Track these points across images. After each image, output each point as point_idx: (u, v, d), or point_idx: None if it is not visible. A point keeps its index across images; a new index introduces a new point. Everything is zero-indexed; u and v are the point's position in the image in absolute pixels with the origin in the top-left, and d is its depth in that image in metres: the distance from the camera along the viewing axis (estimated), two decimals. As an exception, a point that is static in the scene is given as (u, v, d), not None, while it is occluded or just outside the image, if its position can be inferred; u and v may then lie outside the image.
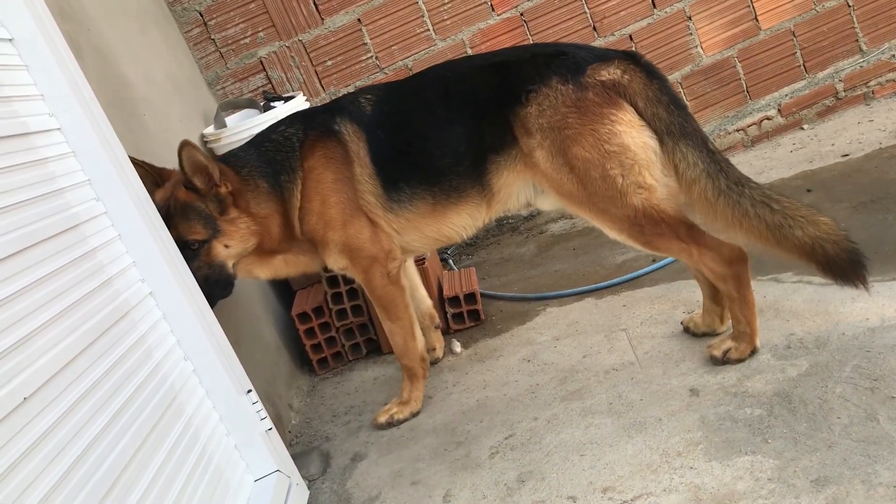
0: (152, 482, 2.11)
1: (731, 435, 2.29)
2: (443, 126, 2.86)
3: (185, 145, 2.66)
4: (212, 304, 2.67)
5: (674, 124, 2.58)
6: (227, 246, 2.81)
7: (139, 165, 2.67)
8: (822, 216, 2.47)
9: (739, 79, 4.82)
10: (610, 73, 2.65)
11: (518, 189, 2.86)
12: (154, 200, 2.59)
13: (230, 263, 2.85)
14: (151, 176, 2.81)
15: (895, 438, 2.03)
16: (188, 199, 2.75)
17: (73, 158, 2.33)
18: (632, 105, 2.62)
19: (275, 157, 2.90)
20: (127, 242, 2.43)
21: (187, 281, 2.54)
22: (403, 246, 3.02)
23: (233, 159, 2.94)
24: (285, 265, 3.02)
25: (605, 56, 2.71)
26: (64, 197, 2.22)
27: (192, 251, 2.73)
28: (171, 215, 2.71)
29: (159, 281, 2.48)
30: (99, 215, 2.36)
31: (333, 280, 3.67)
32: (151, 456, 2.16)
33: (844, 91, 4.81)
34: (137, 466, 2.08)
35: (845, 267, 2.42)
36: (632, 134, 2.60)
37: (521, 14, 4.64)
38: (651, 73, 2.66)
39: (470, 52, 4.65)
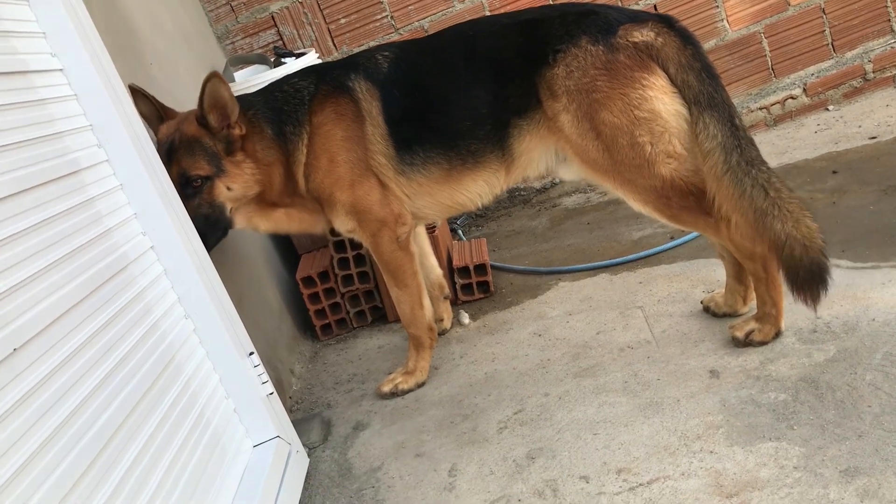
0: (147, 443, 2.01)
1: (754, 420, 2.19)
2: (463, 87, 2.74)
3: (213, 76, 2.55)
4: (209, 246, 2.57)
5: (702, 94, 2.45)
6: (229, 188, 2.70)
7: (144, 97, 2.55)
8: (808, 218, 2.33)
9: (765, 55, 4.67)
10: (643, 34, 2.51)
11: (539, 155, 2.74)
12: (157, 136, 2.48)
13: (229, 207, 2.74)
14: (155, 110, 2.70)
15: (930, 430, 1.93)
16: (197, 133, 2.64)
17: (74, 102, 2.21)
18: (664, 70, 2.49)
19: (282, 108, 2.79)
20: (129, 193, 2.31)
21: (191, 236, 2.43)
22: (414, 212, 2.91)
23: (241, 102, 2.81)
24: (287, 220, 2.91)
25: (639, 18, 2.58)
26: (63, 141, 2.11)
27: (194, 188, 2.64)
28: (175, 149, 2.61)
29: (162, 235, 2.37)
30: (100, 163, 2.24)
31: (340, 245, 3.56)
32: (147, 416, 2.06)
33: (873, 72, 4.65)
34: (132, 426, 1.98)
35: (803, 275, 2.28)
36: (664, 100, 2.48)
37: (544, -22, 4.48)
38: (686, 39, 2.52)
39: (489, 13, 4.49)
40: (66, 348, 1.84)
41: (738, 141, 2.40)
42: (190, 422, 2.23)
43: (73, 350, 1.86)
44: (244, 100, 2.85)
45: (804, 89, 4.70)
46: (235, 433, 2.46)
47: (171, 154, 2.61)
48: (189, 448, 2.18)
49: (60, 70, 2.18)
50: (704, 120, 2.43)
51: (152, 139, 2.48)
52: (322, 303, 3.64)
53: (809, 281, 2.28)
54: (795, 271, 2.29)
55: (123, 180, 2.29)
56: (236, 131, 2.67)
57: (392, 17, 4.51)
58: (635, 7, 4.52)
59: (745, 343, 2.54)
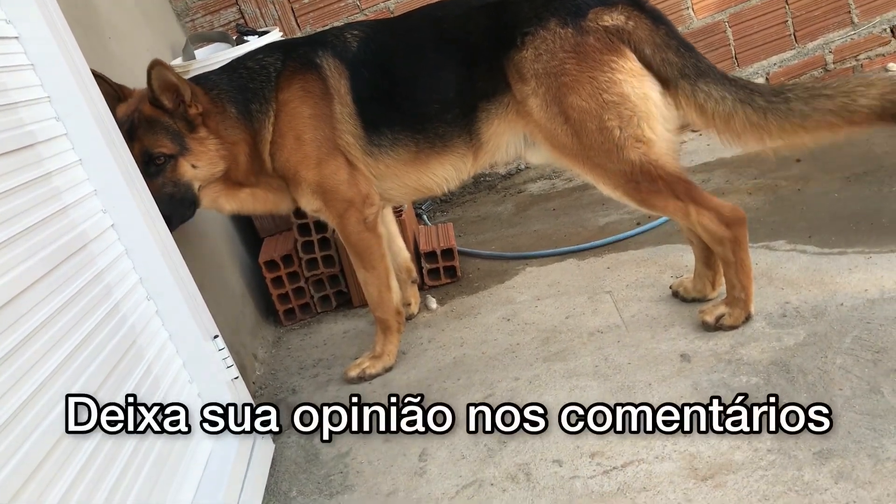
0: (103, 436, 1.93)
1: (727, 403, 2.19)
2: (432, 69, 2.70)
3: (155, 64, 2.47)
4: (172, 227, 2.49)
5: (687, 66, 2.44)
6: (194, 166, 2.63)
7: (100, 79, 2.46)
8: (873, 77, 2.32)
9: (729, 44, 4.70)
10: (613, 18, 2.49)
11: (508, 140, 2.71)
12: (115, 116, 2.39)
13: (196, 185, 2.66)
14: (113, 91, 2.60)
15: (901, 412, 1.95)
16: (155, 113, 2.57)
17: (31, 71, 2.10)
18: (638, 52, 2.48)
19: (247, 85, 2.71)
20: (88, 168, 2.21)
21: (153, 215, 2.34)
22: (381, 194, 2.85)
23: (203, 81, 2.74)
24: (252, 200, 2.83)
25: (608, 1, 2.55)
26: (18, 112, 2.00)
27: (157, 166, 2.56)
28: (135, 128, 2.53)
29: (123, 213, 2.27)
30: (58, 136, 2.14)
31: (304, 228, 3.49)
32: (109, 400, 1.98)
33: (834, 63, 4.72)
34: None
35: None
36: (632, 83, 2.46)
37: (511, -38, 4.43)
38: (657, 19, 2.51)
39: (456, -2, 4.43)
40: (22, 331, 1.74)
41: (747, 88, 2.41)
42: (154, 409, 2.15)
43: (30, 332, 1.77)
44: (206, 78, 2.76)
45: (767, 79, 4.74)
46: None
47: (132, 133, 2.52)
48: (153, 434, 2.10)
49: (16, 38, 2.07)
50: (703, 88, 2.43)
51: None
52: (285, 287, 3.56)
53: None
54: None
55: (83, 155, 2.19)
56: (193, 110, 2.59)
57: (357, -2, 4.43)
58: (602, -7, 4.50)
59: (716, 327, 2.55)
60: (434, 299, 3.41)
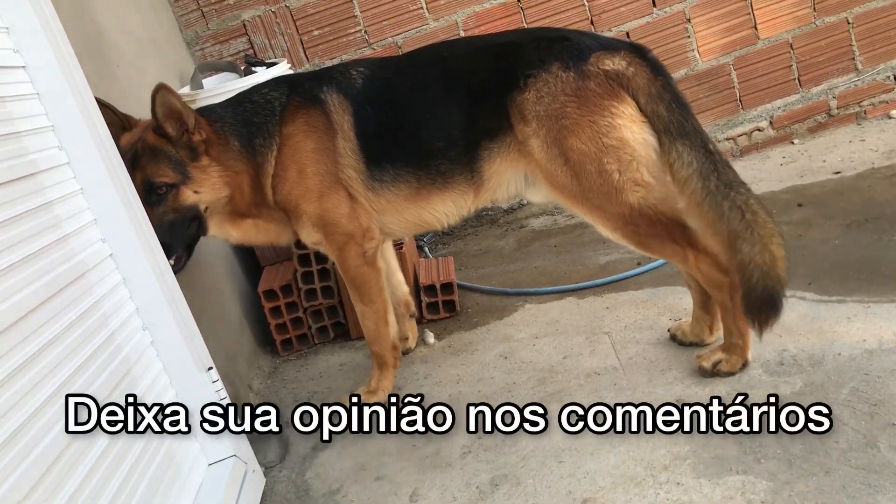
0: (100, 459, 1.93)
1: (721, 452, 2.17)
2: (436, 108, 2.72)
3: (160, 88, 2.48)
4: (170, 255, 2.52)
5: (672, 123, 2.45)
6: (196, 192, 2.64)
7: (105, 108, 2.48)
8: (776, 245, 2.33)
9: (733, 87, 4.73)
10: (615, 63, 2.51)
11: (509, 178, 2.72)
12: (119, 145, 2.41)
13: (203, 207, 2.67)
14: (118, 120, 2.62)
15: (897, 468, 1.93)
16: (158, 142, 2.58)
17: (36, 100, 2.13)
18: (634, 99, 2.49)
19: (252, 119, 2.74)
20: (89, 198, 2.23)
21: (152, 245, 2.35)
22: (381, 228, 2.86)
23: (208, 113, 2.76)
24: (255, 231, 2.85)
25: (611, 46, 2.58)
26: (22, 141, 2.02)
27: (159, 195, 2.57)
28: (138, 157, 2.55)
29: (121, 243, 2.28)
30: (61, 165, 2.16)
31: (304, 258, 3.49)
32: (98, 431, 1.97)
33: (837, 109, 4.74)
34: (83, 441, 1.89)
35: (754, 300, 2.29)
36: (632, 129, 2.47)
37: (518, 0, 4.49)
38: (656, 69, 2.53)
39: (463, 34, 4.48)
40: (17, 358, 1.76)
41: (715, 165, 2.40)
42: (143, 438, 2.14)
43: (25, 360, 1.78)
44: (212, 111, 2.79)
45: (771, 122, 4.76)
46: (190, 451, 2.37)
47: (134, 162, 2.54)
48: (142, 466, 2.09)
49: (23, 67, 2.10)
50: (677, 148, 2.43)
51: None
52: (284, 317, 3.55)
53: (759, 307, 2.28)
54: (749, 295, 2.30)
55: (84, 184, 2.21)
56: (196, 137, 2.61)
57: (366, 32, 4.48)
58: (608, 34, 4.54)
59: (713, 373, 2.53)
60: (432, 334, 3.40)
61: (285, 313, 3.55)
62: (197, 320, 2.54)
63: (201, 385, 2.41)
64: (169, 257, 2.52)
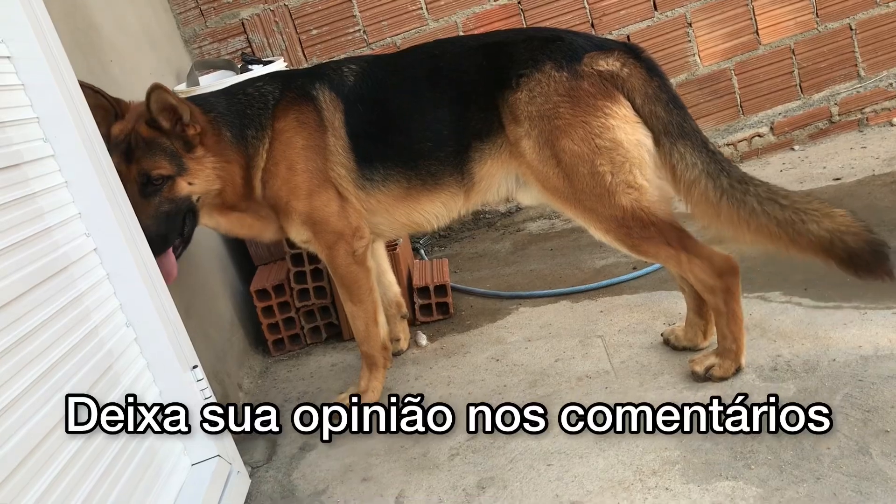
0: (75, 456, 1.89)
1: (711, 457, 2.13)
2: (426, 107, 2.69)
3: (154, 88, 2.45)
4: (164, 248, 2.52)
5: (672, 124, 2.43)
6: (190, 183, 2.60)
7: (95, 92, 2.45)
8: (835, 209, 2.28)
9: (734, 92, 4.70)
10: (609, 63, 2.48)
11: (500, 180, 2.69)
12: (111, 133, 2.40)
13: (195, 198, 2.64)
14: (109, 105, 2.57)
15: (889, 476, 1.89)
16: (152, 135, 2.54)
17: (21, 91, 2.10)
18: (629, 101, 2.46)
19: (245, 111, 2.71)
20: (74, 191, 2.20)
21: (137, 240, 2.32)
22: (371, 228, 2.83)
23: (201, 102, 2.74)
24: (239, 223, 2.82)
25: (605, 46, 2.55)
26: (5, 132, 1.99)
27: (154, 187, 2.54)
28: (133, 150, 2.51)
29: (107, 238, 2.25)
30: (45, 157, 2.13)
31: (297, 258, 3.46)
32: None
33: (839, 115, 4.70)
34: (60, 437, 1.86)
35: (869, 260, 2.21)
36: (626, 129, 2.44)
37: (519, 2, 4.47)
38: (651, 70, 2.50)
39: (462, 33, 4.46)
40: (-6, 348, 1.73)
41: (720, 164, 2.38)
42: (122, 437, 2.11)
43: (2, 350, 1.75)
44: (205, 101, 2.76)
45: (771, 128, 4.73)
46: (172, 450, 2.34)
47: (128, 154, 2.51)
48: (120, 465, 2.06)
49: (8, 58, 2.07)
50: (679, 150, 2.40)
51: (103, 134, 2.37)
52: (276, 316, 3.52)
53: (877, 261, 2.20)
54: (861, 259, 2.22)
55: (69, 178, 2.18)
56: (191, 130, 2.57)
57: (365, 32, 4.45)
58: (609, 38, 4.51)
59: (705, 378, 2.50)
60: (424, 336, 3.37)
61: (277, 313, 3.52)
62: (186, 318, 2.51)
63: (185, 383, 2.37)
64: (165, 248, 2.53)
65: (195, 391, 2.39)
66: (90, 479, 1.90)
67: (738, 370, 2.48)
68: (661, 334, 2.84)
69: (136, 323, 2.30)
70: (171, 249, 2.61)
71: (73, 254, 2.15)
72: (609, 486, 2.13)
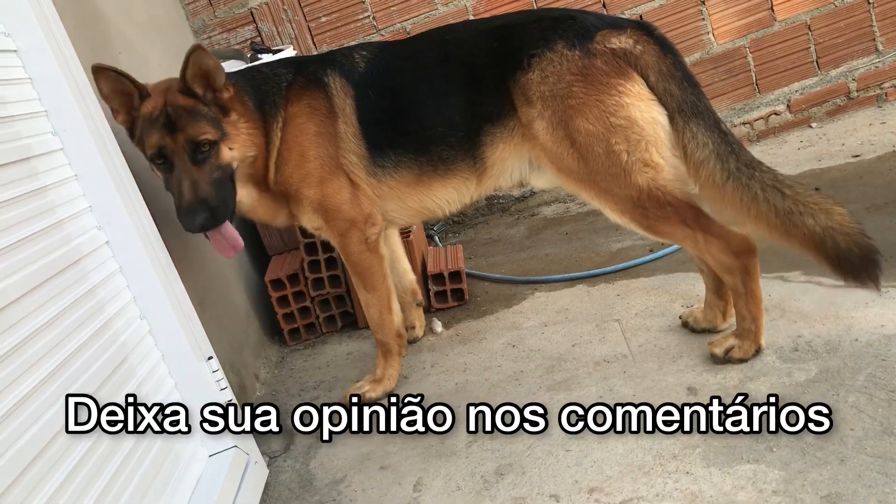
0: (92, 447, 1.89)
1: (733, 440, 2.10)
2: (437, 92, 2.66)
3: (196, 48, 2.42)
4: (226, 216, 2.50)
5: (686, 102, 2.38)
6: (231, 148, 2.56)
7: (119, 75, 2.40)
8: (836, 206, 2.25)
9: (749, 70, 4.63)
10: (621, 41, 2.44)
11: (513, 164, 2.66)
12: (142, 112, 2.41)
13: (235, 165, 2.59)
14: (134, 88, 2.48)
15: (915, 456, 1.85)
16: (190, 103, 2.49)
17: (28, 85, 2.10)
18: (643, 78, 2.42)
19: (261, 87, 2.70)
20: (84, 184, 2.20)
21: (149, 232, 2.31)
22: (383, 215, 2.81)
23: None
24: (259, 202, 2.76)
25: (617, 24, 2.51)
26: (14, 126, 1.99)
27: (203, 153, 2.48)
28: (174, 120, 2.44)
29: (118, 230, 2.25)
30: (54, 151, 2.13)
31: (311, 247, 3.45)
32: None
33: (857, 91, 4.62)
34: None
35: (857, 264, 2.18)
36: (640, 107, 2.40)
37: (529, -16, 4.41)
38: (665, 47, 2.46)
39: (472, 17, 4.41)
40: (9, 342, 1.73)
41: (731, 146, 2.34)
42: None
43: (17, 343, 1.76)
44: (228, 74, 2.74)
45: (788, 106, 4.66)
46: (190, 441, 2.34)
47: (170, 125, 2.44)
48: (138, 456, 2.06)
49: (14, 51, 2.07)
50: (691, 129, 2.37)
51: (112, 128, 2.35)
52: (291, 306, 3.52)
53: (866, 266, 2.17)
54: (848, 262, 2.19)
55: (79, 171, 2.18)
56: (225, 94, 2.54)
57: (374, 18, 4.42)
58: (622, 16, 4.45)
59: (725, 360, 2.46)
60: (440, 322, 3.35)
61: (293, 303, 3.52)
62: (200, 310, 2.51)
63: (201, 375, 2.37)
64: (227, 216, 2.51)
65: (210, 382, 2.38)
66: (108, 469, 1.90)
67: (758, 351, 2.44)
68: (679, 317, 2.81)
69: (149, 315, 2.30)
70: (229, 221, 2.57)
71: (85, 247, 2.14)
72: (629, 470, 2.10)
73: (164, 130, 2.43)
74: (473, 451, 2.40)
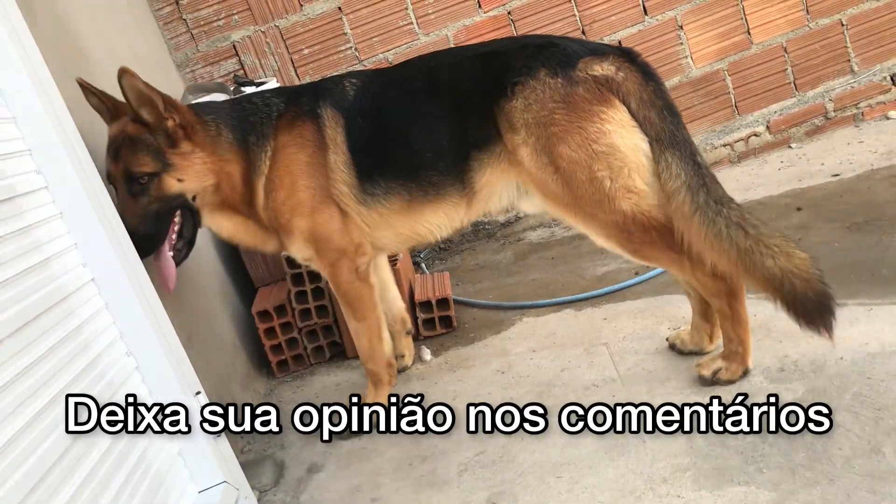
0: (81, 487, 1.87)
1: (722, 462, 2.11)
2: (425, 119, 2.68)
3: (123, 72, 2.44)
4: (151, 250, 2.53)
5: (664, 131, 2.40)
6: (180, 180, 2.59)
7: (92, 92, 2.48)
8: (798, 250, 2.27)
9: (728, 93, 4.69)
10: (603, 68, 2.47)
11: (501, 189, 2.67)
12: (109, 136, 2.44)
13: (190, 196, 2.62)
14: (112, 109, 2.58)
15: (903, 474, 1.86)
16: (136, 131, 2.54)
17: (12, 125, 2.09)
18: (625, 105, 2.44)
19: (248, 118, 2.73)
20: (69, 222, 2.19)
21: (135, 268, 2.30)
22: (373, 242, 2.82)
23: (203, 107, 2.77)
24: (244, 229, 2.80)
25: (600, 51, 2.53)
26: (-2, 166, 1.98)
27: (141, 185, 2.53)
28: (119, 148, 2.51)
29: (103, 267, 2.24)
30: (38, 189, 2.12)
31: (298, 277, 3.45)
32: (82, 457, 1.93)
33: (834, 111, 4.70)
34: (65, 469, 1.84)
35: (811, 309, 2.22)
36: (622, 134, 2.42)
37: (509, 12, 4.47)
38: (647, 74, 2.48)
39: (453, 46, 4.46)
40: (-6, 384, 1.71)
41: (703, 179, 2.35)
42: (129, 465, 2.09)
43: (4, 384, 1.73)
44: (206, 105, 2.79)
45: (767, 127, 4.72)
46: (179, 477, 2.32)
47: (116, 153, 2.51)
48: (127, 494, 2.03)
49: (-2, 91, 2.07)
50: (666, 159, 2.38)
51: (97, 166, 2.36)
52: (279, 338, 3.51)
53: (819, 312, 2.21)
54: (803, 306, 2.22)
55: (63, 208, 2.17)
56: (170, 122, 2.56)
57: (356, 49, 4.46)
58: (603, 42, 4.51)
59: (713, 382, 2.48)
60: (428, 350, 3.35)
61: (280, 334, 3.50)
62: (187, 344, 2.50)
63: (190, 410, 2.35)
64: (152, 250, 2.53)
65: (199, 417, 2.36)
66: (96, 510, 1.88)
67: (746, 372, 2.46)
68: (667, 339, 2.83)
69: (136, 352, 2.29)
70: (169, 256, 2.60)
71: (71, 285, 2.13)
72: (620, 496, 2.10)
73: (111, 157, 2.49)
74: (465, 480, 2.39)
